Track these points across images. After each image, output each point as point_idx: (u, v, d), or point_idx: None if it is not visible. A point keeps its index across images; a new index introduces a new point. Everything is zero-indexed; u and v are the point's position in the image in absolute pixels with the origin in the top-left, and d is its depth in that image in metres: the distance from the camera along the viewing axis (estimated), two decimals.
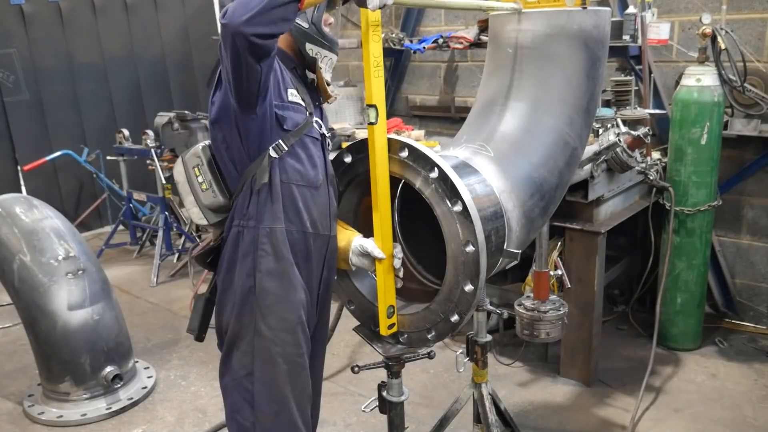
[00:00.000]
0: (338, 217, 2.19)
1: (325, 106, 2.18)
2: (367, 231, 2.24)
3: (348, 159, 2.00)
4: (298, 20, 1.92)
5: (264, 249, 1.94)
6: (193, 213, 2.05)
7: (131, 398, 3.52)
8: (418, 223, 2.33)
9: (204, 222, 2.05)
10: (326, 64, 2.04)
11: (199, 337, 2.17)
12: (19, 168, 6.13)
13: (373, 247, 2.01)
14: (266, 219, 1.94)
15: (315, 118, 2.06)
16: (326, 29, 2.01)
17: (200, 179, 2.00)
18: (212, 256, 2.09)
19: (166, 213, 5.48)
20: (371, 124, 1.94)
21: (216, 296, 2.08)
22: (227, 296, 2.02)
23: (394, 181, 2.19)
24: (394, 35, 4.98)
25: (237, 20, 1.63)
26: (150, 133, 5.40)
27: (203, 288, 2.17)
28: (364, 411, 2.38)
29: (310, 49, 1.98)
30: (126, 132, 5.72)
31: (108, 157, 5.96)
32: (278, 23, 1.69)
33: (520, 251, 2.10)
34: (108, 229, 6.35)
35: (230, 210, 2.00)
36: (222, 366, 2.08)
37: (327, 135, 2.14)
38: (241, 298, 1.97)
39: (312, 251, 2.04)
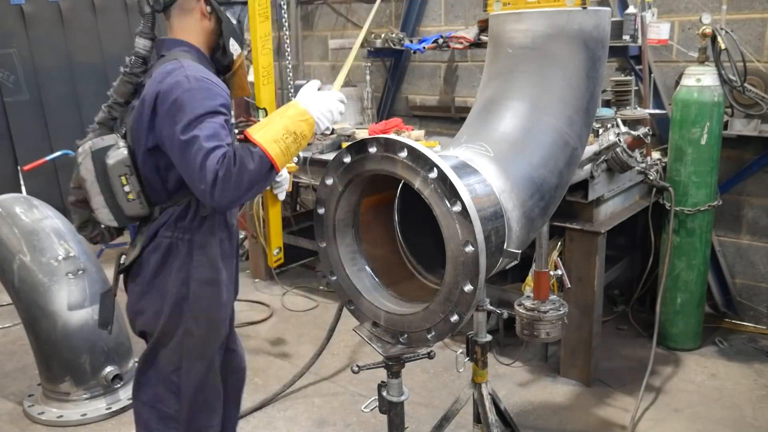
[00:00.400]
0: (338, 217, 2.21)
1: None
2: (368, 231, 2.24)
3: (347, 159, 1.99)
4: (229, 12, 2.02)
5: (199, 260, 2.06)
6: (101, 213, 2.04)
7: (131, 398, 3.51)
8: (418, 223, 2.33)
9: (114, 224, 2.08)
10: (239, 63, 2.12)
11: (111, 330, 2.28)
12: (19, 168, 6.13)
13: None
14: (202, 232, 2.06)
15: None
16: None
17: (127, 189, 1.98)
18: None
19: None
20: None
21: (132, 297, 2.16)
22: (148, 300, 2.11)
23: (393, 181, 2.19)
24: (394, 35, 4.97)
25: (224, 204, 1.82)
26: None
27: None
28: (364, 411, 2.38)
29: (233, 46, 2.05)
30: None
31: None
32: (259, 190, 1.90)
33: (520, 251, 2.10)
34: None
35: (145, 218, 2.07)
36: (143, 363, 2.20)
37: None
38: (172, 304, 2.07)
39: (236, 246, 2.26)
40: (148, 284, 2.09)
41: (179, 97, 1.83)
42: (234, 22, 2.04)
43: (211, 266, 2.09)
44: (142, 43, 2.08)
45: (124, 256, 2.14)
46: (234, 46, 2.05)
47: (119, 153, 1.98)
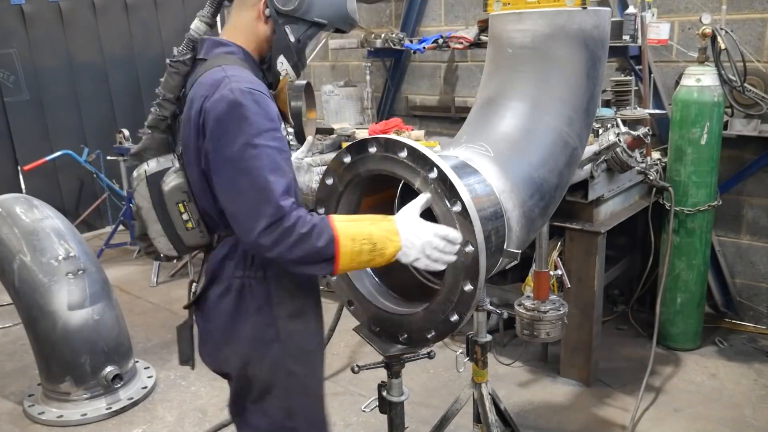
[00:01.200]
0: None
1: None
2: None
3: (347, 159, 1.99)
4: (287, 28, 1.79)
5: (279, 296, 1.87)
6: (159, 243, 1.87)
7: (131, 398, 3.52)
8: None
9: (173, 254, 1.90)
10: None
11: (193, 365, 2.11)
12: (19, 168, 6.13)
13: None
14: (274, 266, 1.83)
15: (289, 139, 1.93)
16: (305, 53, 1.87)
17: (185, 217, 1.82)
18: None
19: None
20: None
21: (209, 338, 1.98)
22: (231, 350, 1.91)
23: (394, 181, 2.19)
24: (394, 35, 4.98)
25: (266, 253, 1.63)
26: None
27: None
28: (364, 411, 2.38)
29: (281, 62, 1.84)
30: (126, 132, 5.71)
31: (108, 157, 5.96)
32: (303, 270, 1.70)
33: (520, 251, 2.10)
34: (108, 229, 6.35)
35: (207, 245, 1.90)
36: (252, 413, 1.97)
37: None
38: (263, 348, 1.88)
39: (314, 278, 2.00)
40: (226, 332, 1.89)
41: (226, 117, 1.63)
42: (291, 39, 1.80)
43: (292, 298, 1.89)
44: (196, 26, 1.87)
45: (194, 284, 1.96)
46: (283, 65, 1.84)
47: (175, 178, 1.80)
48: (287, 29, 1.79)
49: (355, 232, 1.67)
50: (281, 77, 1.87)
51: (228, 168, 1.64)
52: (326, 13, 1.79)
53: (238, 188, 1.63)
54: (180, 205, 1.80)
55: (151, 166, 1.84)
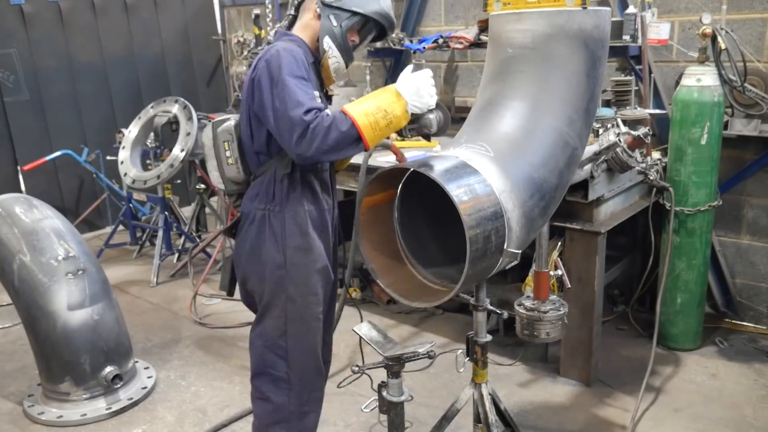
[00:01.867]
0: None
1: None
2: (368, 231, 2.24)
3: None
4: (331, 16, 2.23)
5: (291, 229, 2.28)
6: (213, 176, 2.38)
7: (131, 398, 3.52)
8: (419, 223, 2.33)
9: (221, 187, 2.38)
10: (334, 63, 2.29)
11: (231, 292, 2.54)
12: (18, 168, 6.13)
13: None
14: (291, 204, 2.28)
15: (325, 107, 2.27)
16: (348, 40, 2.28)
17: (228, 154, 2.30)
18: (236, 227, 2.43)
19: (166, 213, 5.48)
20: None
21: (240, 262, 2.41)
22: (253, 267, 2.35)
23: (394, 181, 2.19)
24: (394, 35, 4.98)
25: (308, 155, 2.05)
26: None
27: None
28: (364, 411, 2.39)
29: (326, 43, 2.25)
30: (126, 132, 5.71)
31: (108, 157, 5.96)
32: (343, 154, 2.11)
33: (520, 251, 2.10)
34: (108, 229, 6.35)
35: (244, 184, 2.34)
36: (254, 331, 2.43)
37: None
38: (272, 271, 2.30)
39: (327, 223, 2.40)
40: (249, 252, 2.34)
41: (270, 62, 2.12)
42: (334, 23, 2.23)
43: (302, 234, 2.29)
44: (275, 31, 2.50)
45: (232, 219, 2.44)
46: (327, 44, 2.24)
47: (227, 124, 2.30)
48: (331, 17, 2.24)
49: (365, 108, 2.08)
50: (325, 54, 2.27)
51: (268, 98, 2.11)
52: (364, 5, 2.24)
53: (276, 112, 2.09)
54: (225, 143, 2.30)
55: (219, 117, 2.38)
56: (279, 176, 2.26)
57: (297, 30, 2.34)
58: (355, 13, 2.24)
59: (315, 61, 2.31)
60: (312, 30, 2.29)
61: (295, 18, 2.38)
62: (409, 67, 2.18)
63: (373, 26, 2.33)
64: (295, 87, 2.07)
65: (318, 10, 2.26)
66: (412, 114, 2.16)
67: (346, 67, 2.32)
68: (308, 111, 2.03)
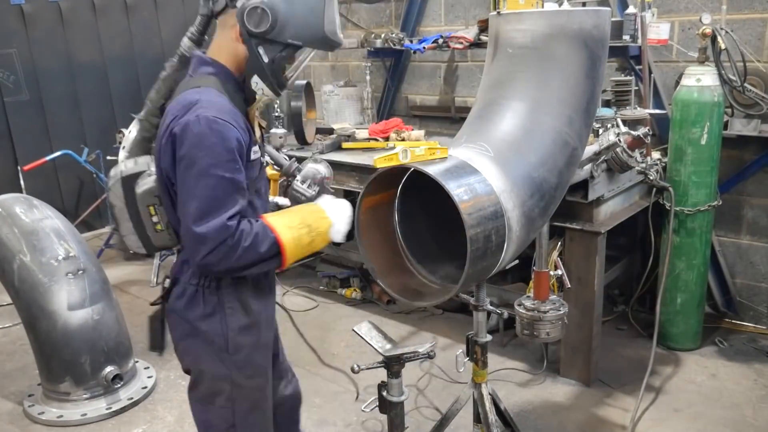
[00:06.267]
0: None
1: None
2: (368, 231, 2.24)
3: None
4: (260, 49, 1.80)
5: (231, 307, 1.93)
6: (130, 240, 1.97)
7: (131, 398, 3.52)
8: (419, 223, 2.33)
9: (142, 252, 2.01)
10: (263, 101, 1.93)
11: (162, 352, 2.15)
12: (19, 168, 6.13)
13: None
14: (228, 278, 1.90)
15: (261, 154, 1.99)
16: (282, 72, 1.87)
17: (155, 219, 1.93)
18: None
19: None
20: None
21: (173, 333, 2.03)
22: (187, 346, 1.99)
23: (394, 181, 2.19)
24: (394, 35, 4.98)
25: (215, 271, 1.76)
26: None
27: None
28: (364, 411, 2.39)
29: (255, 82, 1.85)
30: (126, 132, 5.72)
31: (108, 157, 5.95)
32: (254, 272, 1.81)
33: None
34: (108, 229, 6.34)
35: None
36: (193, 402, 2.06)
37: (263, 160, 2.04)
38: (213, 353, 1.94)
39: (272, 280, 2.09)
40: (183, 328, 1.97)
41: (189, 142, 1.72)
42: (265, 60, 1.80)
43: (245, 310, 1.95)
44: (187, 44, 1.99)
45: (167, 280, 2.02)
46: (258, 85, 1.84)
47: (148, 182, 1.91)
48: (260, 50, 1.80)
49: (289, 221, 1.84)
50: (257, 96, 1.89)
51: (183, 190, 1.74)
52: (302, 34, 1.79)
53: (185, 209, 1.73)
54: (151, 207, 1.91)
55: (128, 167, 1.94)
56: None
57: (214, 51, 1.89)
58: (290, 45, 1.80)
59: (239, 89, 1.89)
60: (235, 55, 1.85)
61: (206, 26, 1.96)
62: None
63: (315, 48, 1.88)
64: (216, 187, 1.71)
65: (242, 38, 1.80)
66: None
67: (278, 96, 1.93)
68: (229, 219, 1.71)
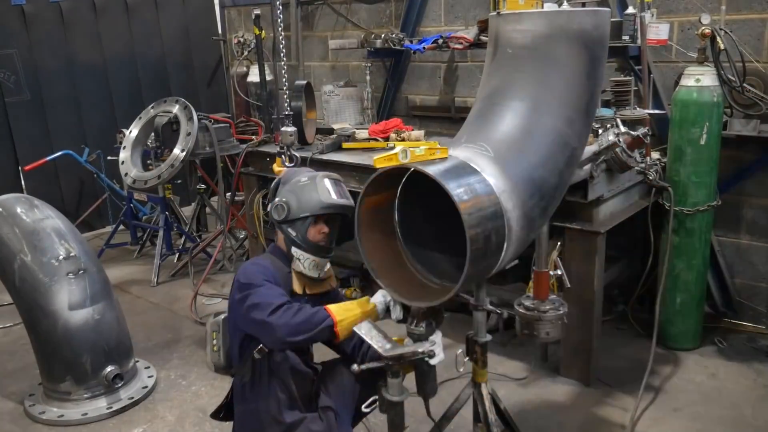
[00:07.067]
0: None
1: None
2: (368, 231, 2.25)
3: None
4: (289, 229, 2.50)
5: (266, 421, 2.48)
6: (207, 353, 2.68)
7: (132, 398, 3.53)
8: (419, 223, 2.34)
9: (212, 369, 2.66)
10: (308, 263, 2.51)
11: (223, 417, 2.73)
12: (19, 168, 6.14)
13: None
14: (262, 398, 2.48)
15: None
16: (316, 239, 2.50)
17: (214, 341, 2.59)
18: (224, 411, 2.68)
19: (167, 213, 5.49)
20: None
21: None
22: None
23: (394, 181, 2.19)
24: (394, 35, 4.98)
25: (280, 340, 2.26)
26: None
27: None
28: (364, 411, 2.39)
29: (295, 251, 2.51)
30: (126, 132, 5.72)
31: (108, 157, 5.97)
32: (313, 340, 2.35)
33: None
34: (109, 229, 6.35)
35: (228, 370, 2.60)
36: None
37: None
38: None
39: (304, 391, 2.58)
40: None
41: (238, 276, 2.41)
42: (293, 234, 2.49)
43: (279, 423, 2.46)
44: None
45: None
46: (295, 252, 2.50)
47: (218, 318, 2.61)
48: (289, 230, 2.51)
49: (339, 304, 2.39)
50: (297, 261, 2.53)
51: (241, 305, 2.34)
52: (307, 208, 2.48)
53: (249, 314, 2.31)
54: (213, 333, 2.60)
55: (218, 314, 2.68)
56: (248, 377, 2.48)
57: (279, 242, 2.60)
58: (305, 218, 2.48)
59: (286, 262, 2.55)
60: (283, 243, 2.56)
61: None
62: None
63: (333, 214, 2.52)
64: (264, 290, 2.32)
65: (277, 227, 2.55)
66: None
67: (325, 258, 2.54)
68: (280, 305, 2.27)
